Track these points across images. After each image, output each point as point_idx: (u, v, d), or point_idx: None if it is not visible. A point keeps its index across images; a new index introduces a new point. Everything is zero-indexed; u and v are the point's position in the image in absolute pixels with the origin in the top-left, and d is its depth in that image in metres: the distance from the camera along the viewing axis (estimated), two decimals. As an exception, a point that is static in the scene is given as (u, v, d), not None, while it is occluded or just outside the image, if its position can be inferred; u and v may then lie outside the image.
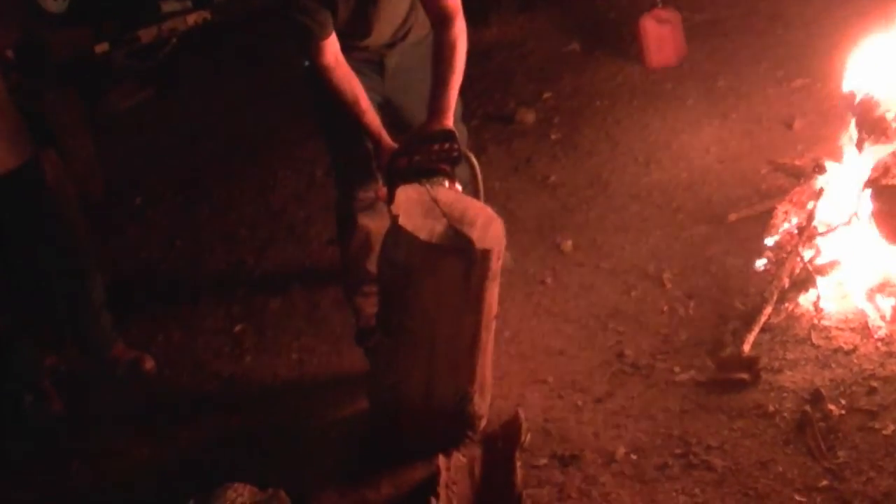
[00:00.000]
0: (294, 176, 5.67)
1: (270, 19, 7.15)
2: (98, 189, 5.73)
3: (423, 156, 3.15)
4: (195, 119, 6.86)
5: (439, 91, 3.27)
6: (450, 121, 3.24)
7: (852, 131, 3.89)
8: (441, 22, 3.31)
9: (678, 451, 3.08)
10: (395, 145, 3.27)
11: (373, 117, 3.32)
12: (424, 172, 3.13)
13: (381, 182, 3.39)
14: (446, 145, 3.15)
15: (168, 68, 7.33)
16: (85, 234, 4.08)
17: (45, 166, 3.89)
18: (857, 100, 3.85)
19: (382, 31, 3.44)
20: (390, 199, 3.10)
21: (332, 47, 3.25)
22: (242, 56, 7.62)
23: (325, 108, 3.51)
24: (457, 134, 3.20)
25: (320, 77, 3.29)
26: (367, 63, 3.47)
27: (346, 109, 3.32)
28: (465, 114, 3.95)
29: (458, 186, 3.21)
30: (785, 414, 3.11)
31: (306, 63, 3.38)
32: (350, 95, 3.30)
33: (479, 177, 3.30)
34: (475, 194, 3.26)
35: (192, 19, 7.08)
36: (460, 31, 3.30)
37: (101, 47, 6.63)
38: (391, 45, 3.51)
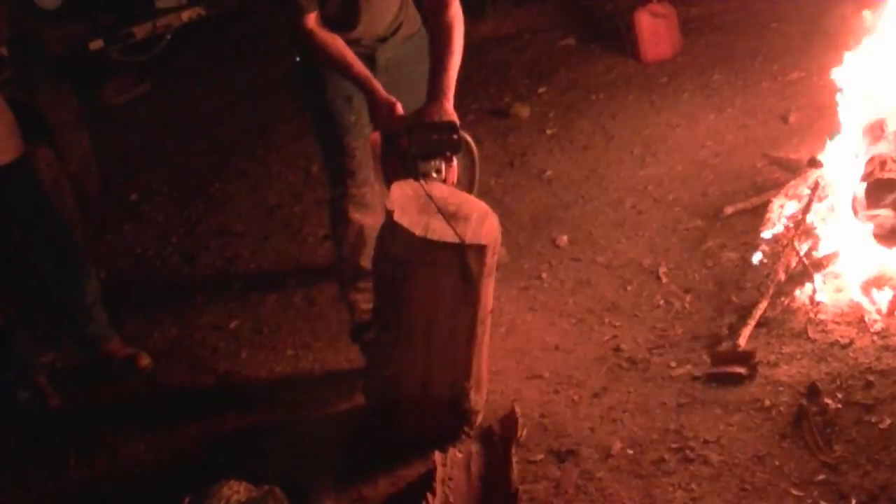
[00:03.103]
0: (289, 171, 5.66)
1: (265, 14, 7.18)
2: (94, 184, 5.71)
3: (424, 145, 3.14)
4: (191, 114, 6.84)
5: (438, 73, 3.28)
6: (450, 102, 3.23)
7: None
8: (437, 8, 3.33)
9: (674, 445, 3.08)
10: (390, 98, 3.26)
11: (362, 68, 3.34)
12: (423, 155, 3.13)
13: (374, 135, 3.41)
14: (445, 136, 3.14)
15: (163, 63, 7.32)
16: (79, 229, 4.07)
17: (39, 163, 3.87)
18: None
19: (373, 22, 3.47)
20: (383, 153, 3.16)
21: (315, 19, 3.32)
22: (237, 51, 7.61)
23: (317, 105, 3.56)
24: (458, 124, 3.20)
25: (305, 43, 3.36)
26: (360, 57, 3.47)
27: (334, 66, 3.36)
28: (459, 108, 3.92)
29: (455, 166, 3.19)
30: (781, 408, 3.12)
31: (297, 59, 3.44)
32: (335, 50, 3.34)
33: (477, 162, 3.29)
34: (472, 180, 3.26)
35: (186, 15, 7.06)
36: (456, 15, 3.32)
37: (96, 44, 6.61)
38: (383, 39, 3.54)
